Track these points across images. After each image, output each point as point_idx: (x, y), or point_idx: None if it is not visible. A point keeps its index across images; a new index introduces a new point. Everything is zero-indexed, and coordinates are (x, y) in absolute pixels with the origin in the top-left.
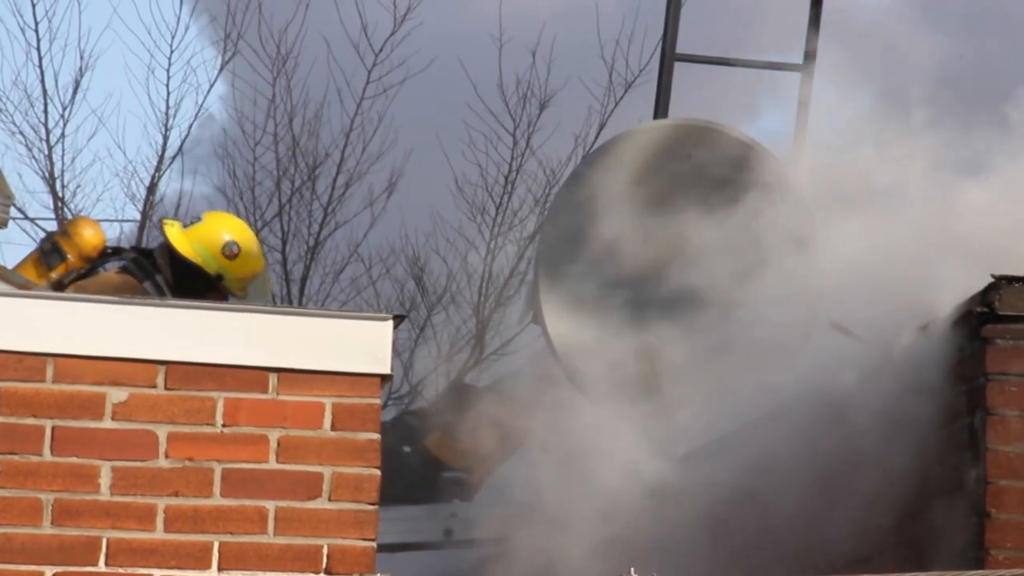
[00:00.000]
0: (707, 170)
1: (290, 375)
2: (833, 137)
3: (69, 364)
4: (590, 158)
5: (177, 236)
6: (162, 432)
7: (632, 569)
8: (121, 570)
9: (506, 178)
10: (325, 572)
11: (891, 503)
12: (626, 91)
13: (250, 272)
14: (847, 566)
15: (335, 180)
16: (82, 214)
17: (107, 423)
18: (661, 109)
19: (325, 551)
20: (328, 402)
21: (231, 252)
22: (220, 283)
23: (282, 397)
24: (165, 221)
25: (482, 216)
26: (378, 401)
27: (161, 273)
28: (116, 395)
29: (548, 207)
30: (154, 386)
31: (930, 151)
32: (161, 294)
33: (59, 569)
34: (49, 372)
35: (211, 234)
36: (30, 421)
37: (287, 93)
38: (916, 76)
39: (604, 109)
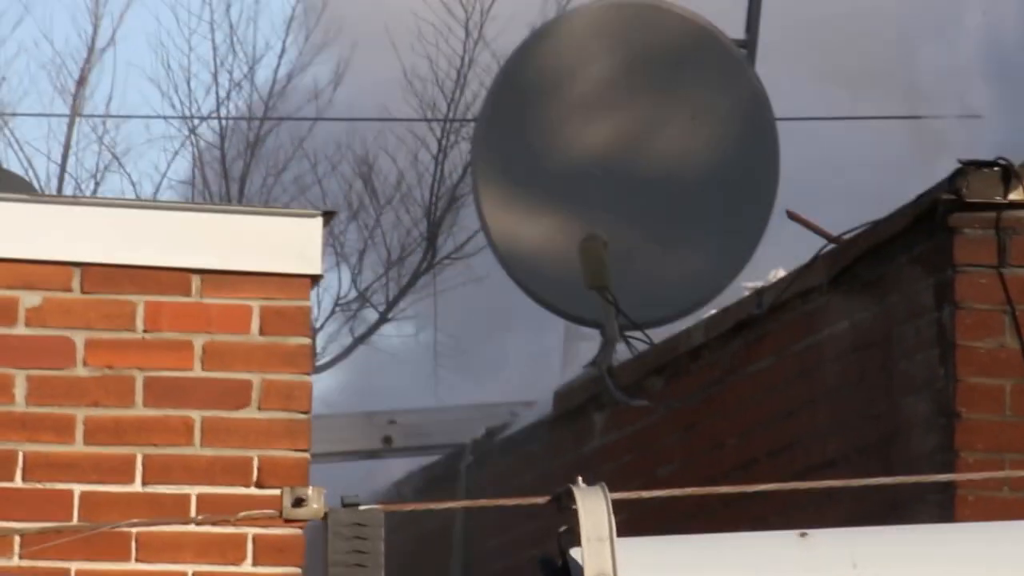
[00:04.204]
0: (655, 52)
1: (214, 276)
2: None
3: None
4: (529, 41)
5: None
6: (79, 338)
7: (580, 479)
8: (39, 485)
9: (458, 72)
10: (256, 485)
11: (856, 403)
12: None
13: None
14: (811, 471)
15: (276, 72)
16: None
17: (20, 329)
18: None
19: (255, 463)
20: (256, 305)
21: None
22: None
23: (206, 300)
24: None
25: (433, 112)
26: (308, 303)
27: None
28: (29, 299)
29: (485, 96)
30: (69, 290)
31: None
32: None
33: None
34: None
35: None
36: None
37: None
38: None
39: None
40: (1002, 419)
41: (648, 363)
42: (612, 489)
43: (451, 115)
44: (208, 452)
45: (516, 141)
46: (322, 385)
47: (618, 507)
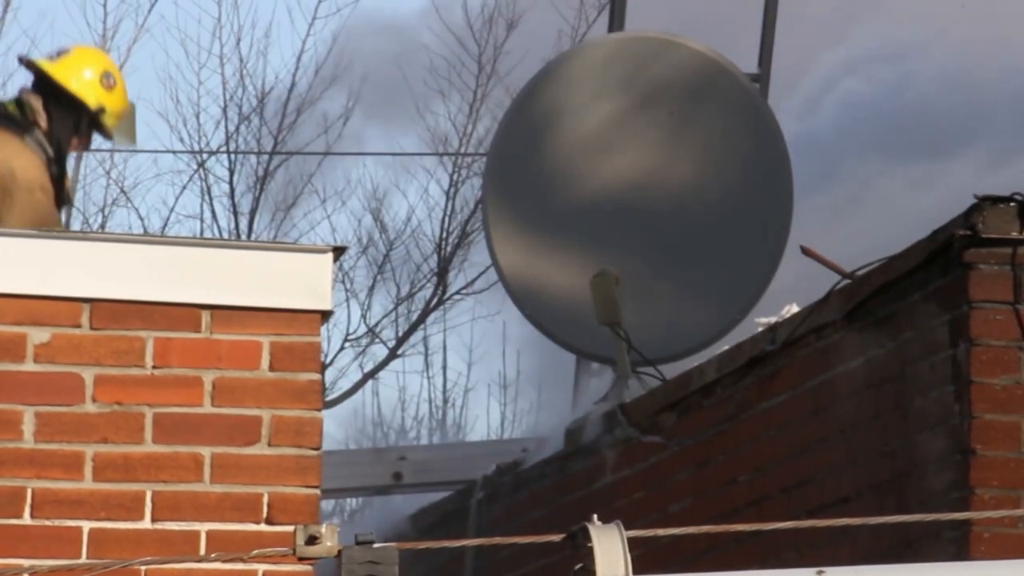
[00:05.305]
0: (668, 86)
1: (224, 312)
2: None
3: None
4: (541, 75)
5: (54, 69)
6: (88, 375)
7: (595, 516)
8: (48, 522)
9: (470, 106)
10: (266, 522)
11: (870, 440)
12: (599, 13)
13: (123, 107)
14: (825, 508)
15: (286, 106)
16: None
17: (29, 366)
18: (617, 21)
19: (266, 499)
20: (266, 341)
21: (109, 83)
22: (101, 118)
23: (216, 336)
24: (30, 58)
25: (444, 146)
26: (318, 339)
27: (36, 123)
28: (38, 336)
29: (496, 131)
30: (79, 325)
31: None
32: (43, 148)
33: None
34: None
35: (85, 65)
36: None
37: (234, 11)
38: None
39: (575, 32)
40: (1018, 456)
41: (660, 399)
42: (624, 526)
43: (463, 150)
44: (218, 488)
45: (528, 176)
46: (331, 421)
47: (632, 544)
